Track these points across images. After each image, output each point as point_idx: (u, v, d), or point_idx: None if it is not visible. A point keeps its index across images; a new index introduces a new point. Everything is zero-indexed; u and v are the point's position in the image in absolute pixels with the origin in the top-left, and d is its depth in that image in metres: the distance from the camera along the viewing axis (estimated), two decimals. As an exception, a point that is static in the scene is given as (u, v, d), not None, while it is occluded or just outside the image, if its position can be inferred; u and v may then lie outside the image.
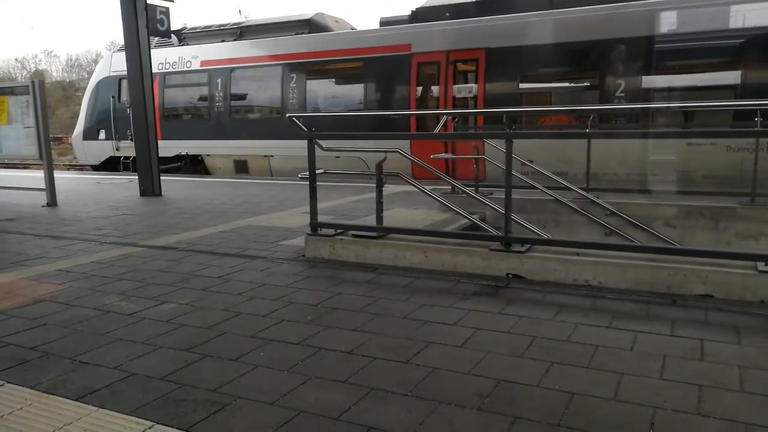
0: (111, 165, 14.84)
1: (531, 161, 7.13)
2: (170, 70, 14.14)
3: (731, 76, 9.02)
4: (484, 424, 2.18)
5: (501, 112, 4.50)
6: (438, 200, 5.28)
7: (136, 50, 9.10)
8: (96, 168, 15.25)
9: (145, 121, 9.20)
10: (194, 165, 14.16)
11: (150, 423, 2.23)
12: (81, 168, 17.13)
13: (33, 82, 7.99)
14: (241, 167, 13.60)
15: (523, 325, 3.23)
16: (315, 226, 4.97)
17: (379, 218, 4.96)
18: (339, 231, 4.93)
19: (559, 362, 2.72)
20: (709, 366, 2.65)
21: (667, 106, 7.20)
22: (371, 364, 2.75)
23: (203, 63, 13.78)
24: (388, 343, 3.00)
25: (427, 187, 5.27)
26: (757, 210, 5.99)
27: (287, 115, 5.07)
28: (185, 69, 14.02)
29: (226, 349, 2.96)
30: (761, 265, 3.57)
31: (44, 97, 8.03)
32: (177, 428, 2.19)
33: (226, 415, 2.29)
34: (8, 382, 2.62)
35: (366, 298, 3.77)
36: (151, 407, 2.36)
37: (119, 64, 13.61)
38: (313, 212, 4.96)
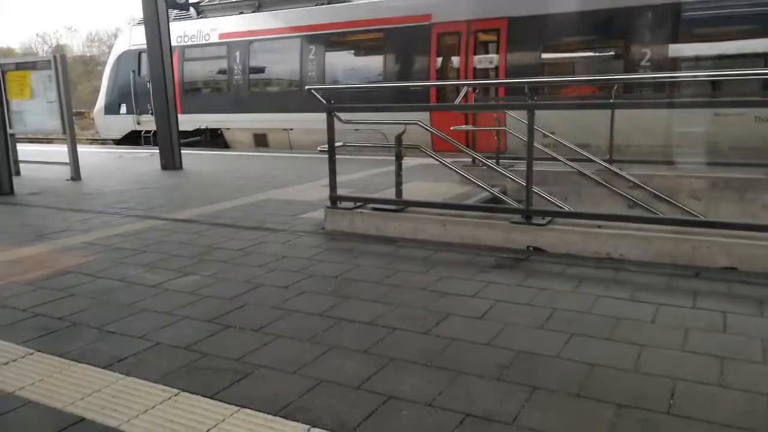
0: (132, 139, 14.98)
1: (553, 133, 7.03)
2: (189, 43, 14.13)
3: (761, 44, 8.74)
4: (503, 393, 2.20)
5: (522, 82, 4.43)
6: (458, 173, 5.25)
7: (155, 24, 9.10)
8: (118, 142, 15.41)
9: (164, 95, 9.24)
10: (214, 139, 14.22)
11: (176, 390, 2.28)
12: (103, 142, 17.32)
13: (55, 57, 8.05)
14: (261, 141, 13.63)
15: (543, 297, 3.22)
16: (334, 200, 4.98)
17: (399, 191, 4.95)
18: (358, 204, 4.94)
19: (580, 334, 2.72)
20: (732, 338, 2.63)
21: (694, 76, 7.02)
22: (391, 335, 2.77)
23: (221, 36, 13.74)
24: (407, 314, 3.02)
25: (448, 160, 5.23)
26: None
27: (306, 87, 5.04)
28: (204, 42, 14.00)
29: (248, 319, 3.01)
30: (784, 237, 3.51)
31: (66, 72, 8.10)
32: (202, 395, 2.24)
33: (249, 384, 2.33)
34: (38, 351, 2.69)
35: (385, 270, 3.79)
36: (176, 375, 2.41)
37: (139, 38, 13.62)
38: (333, 185, 4.97)
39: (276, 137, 13.34)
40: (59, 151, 9.70)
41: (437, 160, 5.00)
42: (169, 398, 2.23)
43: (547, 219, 4.24)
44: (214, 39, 13.82)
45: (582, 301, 3.13)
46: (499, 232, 4.28)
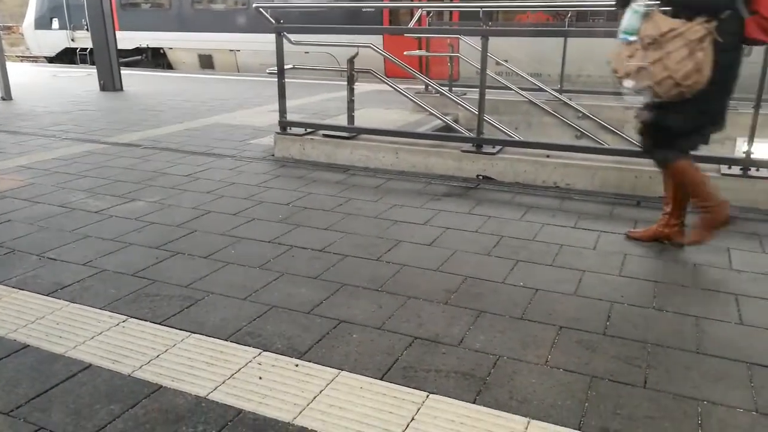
0: (67, 56, 14.07)
1: (506, 61, 6.97)
2: (126, -47, 13.13)
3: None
4: (450, 317, 2.27)
5: (477, 7, 4.34)
6: (412, 100, 5.18)
7: (86, -71, 8.36)
8: (51, 60, 14.45)
9: (100, 8, 8.62)
10: (156, 59, 13.51)
11: (123, 317, 2.25)
12: (35, 60, 16.23)
13: (-26, -37, 7.33)
14: (206, 62, 13.04)
15: (491, 224, 3.29)
16: (284, 125, 4.86)
17: (351, 118, 4.86)
18: (309, 131, 4.84)
19: (525, 260, 2.81)
20: (666, 264, 2.77)
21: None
22: (342, 262, 2.79)
23: (162, -54, 12.80)
24: (359, 242, 3.04)
25: (400, 86, 5.15)
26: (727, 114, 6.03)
27: (254, 5, 4.79)
28: (142, -48, 13.03)
29: (196, 246, 2.97)
30: (724, 168, 3.66)
31: (-12, -20, 7.41)
32: (151, 322, 2.22)
33: (198, 310, 2.32)
34: (-25, 278, 2.59)
35: (337, 198, 3.77)
36: (123, 302, 2.38)
37: (69, -55, 12.60)
38: (282, 110, 4.84)
39: (222, 59, 12.77)
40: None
41: (390, 85, 4.91)
42: (117, 324, 2.20)
43: (498, 148, 4.27)
44: (154, -51, 12.87)
45: (528, 229, 3.22)
46: (450, 160, 4.30)
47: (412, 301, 2.40)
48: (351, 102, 4.81)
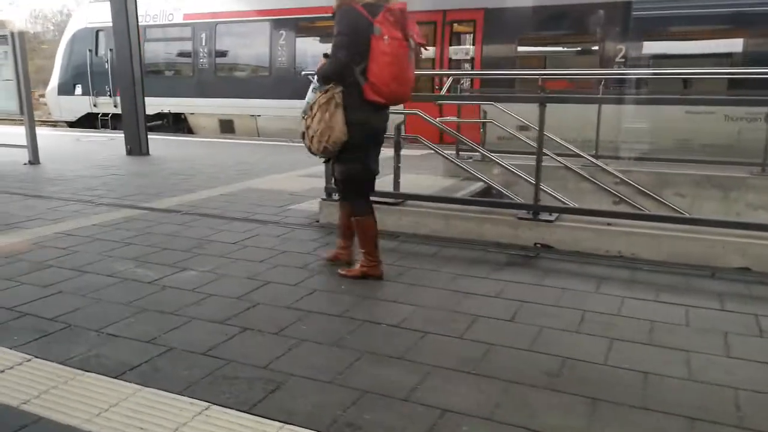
0: (88, 121, 14.25)
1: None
2: (151, 23, 13.49)
3: (734, 44, 8.94)
4: (564, 405, 2.06)
5: (535, 74, 4.34)
6: (460, 166, 5.11)
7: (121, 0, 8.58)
8: (72, 124, 14.64)
9: (131, 76, 8.75)
10: (176, 123, 13.66)
11: (205, 404, 2.05)
12: (54, 124, 16.45)
13: (12, 33, 7.47)
14: (227, 127, 13.17)
15: (568, 297, 3.12)
16: (329, 191, 4.76)
17: (397, 184, 4.77)
18: (355, 196, 4.74)
19: (619, 338, 2.62)
20: (774, 343, 2.58)
21: (677, 73, 7.08)
22: (423, 339, 2.61)
23: (186, 16, 13.18)
24: (433, 316, 2.86)
25: (446, 152, 5.09)
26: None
27: (303, 72, 4.79)
28: (167, 22, 13.40)
29: (264, 321, 2.79)
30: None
31: (25, 49, 7.54)
32: (236, 410, 2.02)
33: (284, 395, 2.13)
34: (35, 357, 2.41)
35: (396, 267, 3.61)
36: (200, 386, 2.18)
37: (96, 16, 12.99)
38: (328, 176, 4.75)
39: (243, 123, 12.91)
40: (10, 133, 9.11)
41: (438, 152, 4.86)
42: (200, 413, 2.00)
43: (555, 215, 4.15)
44: (178, 19, 13.24)
45: (608, 303, 3.04)
46: (506, 227, 4.16)
47: (513, 386, 2.20)
48: (398, 168, 4.74)
